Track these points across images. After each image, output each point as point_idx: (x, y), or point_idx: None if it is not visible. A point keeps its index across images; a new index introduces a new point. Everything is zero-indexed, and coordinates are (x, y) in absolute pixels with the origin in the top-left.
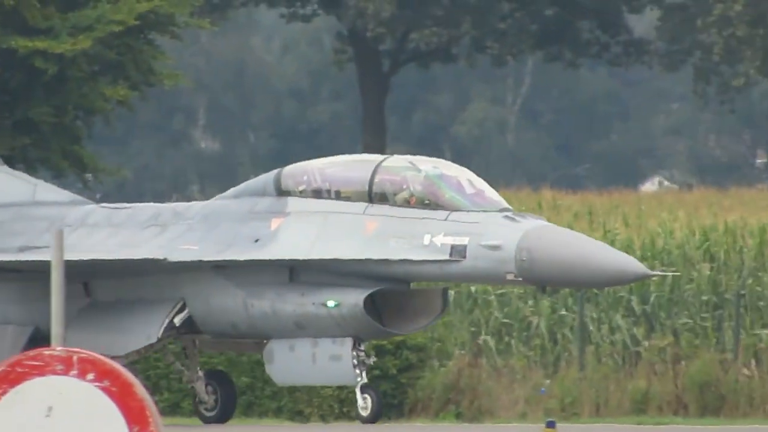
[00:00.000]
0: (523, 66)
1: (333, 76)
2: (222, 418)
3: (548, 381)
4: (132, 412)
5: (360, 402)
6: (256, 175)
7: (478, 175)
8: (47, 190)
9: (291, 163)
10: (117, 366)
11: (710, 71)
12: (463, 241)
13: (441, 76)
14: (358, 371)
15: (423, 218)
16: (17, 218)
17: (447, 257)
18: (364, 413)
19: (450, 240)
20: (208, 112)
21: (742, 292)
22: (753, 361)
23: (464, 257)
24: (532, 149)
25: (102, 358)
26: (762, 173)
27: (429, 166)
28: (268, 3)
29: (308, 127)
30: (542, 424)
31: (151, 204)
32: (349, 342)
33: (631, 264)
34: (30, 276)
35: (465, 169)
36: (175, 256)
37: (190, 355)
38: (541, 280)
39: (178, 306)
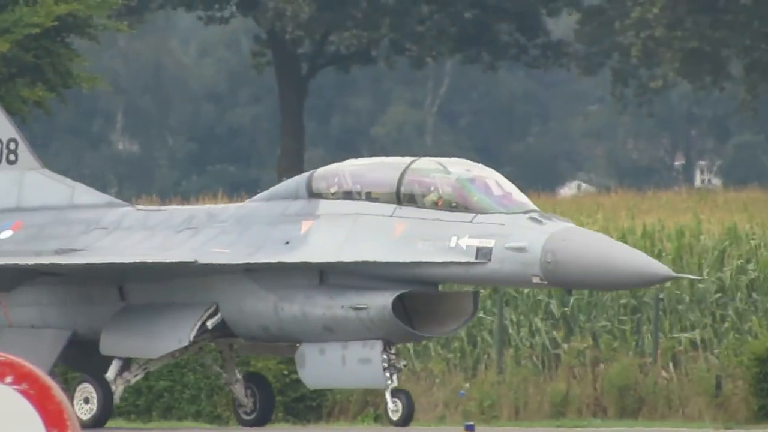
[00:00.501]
0: (441, 68)
1: (251, 79)
2: (261, 421)
3: (467, 384)
4: (50, 415)
5: (390, 405)
6: (174, 177)
7: None
8: (85, 193)
9: (210, 165)
10: (35, 369)
11: (628, 73)
12: (489, 243)
13: (360, 79)
14: (388, 374)
15: (449, 220)
16: (55, 221)
17: (472, 259)
18: (395, 417)
19: (476, 242)
20: (126, 114)
21: (661, 296)
22: (671, 364)
23: (489, 259)
24: (451, 151)
25: (20, 361)
26: (680, 176)
27: (457, 168)
28: (186, 6)
29: (227, 130)
30: (461, 427)
31: (187, 207)
32: (378, 345)
33: (656, 266)
34: (67, 279)
35: (493, 171)
36: (205, 259)
37: (227, 358)
38: (566, 282)
39: (211, 309)
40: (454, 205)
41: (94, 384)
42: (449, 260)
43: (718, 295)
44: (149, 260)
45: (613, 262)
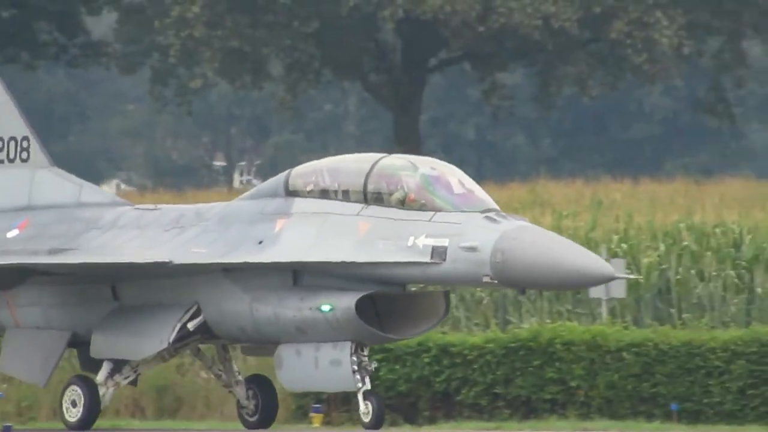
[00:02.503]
0: None
1: None
2: (264, 422)
3: (5, 384)
4: None
5: (362, 407)
6: None
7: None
8: (92, 192)
9: None
10: None
11: (168, 73)
12: (444, 242)
13: None
14: (358, 377)
15: (409, 219)
16: (59, 220)
17: (428, 259)
18: (366, 419)
19: (431, 241)
20: None
21: None
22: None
23: (444, 259)
24: None
25: None
26: (220, 176)
27: (423, 166)
28: None
29: None
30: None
31: (179, 205)
32: (347, 347)
33: (599, 266)
34: (63, 279)
35: (457, 170)
36: (181, 259)
37: (221, 359)
38: (516, 282)
39: (193, 310)
40: (419, 203)
41: (82, 386)
42: (406, 260)
43: None
44: (122, 260)
45: (558, 261)
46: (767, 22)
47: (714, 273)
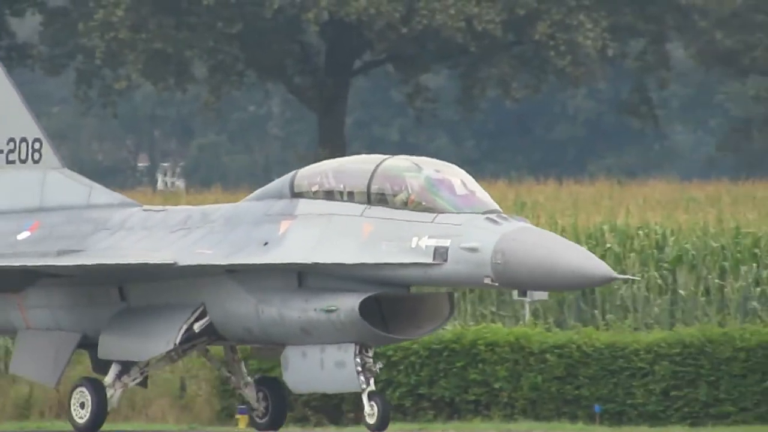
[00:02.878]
0: None
1: None
2: (273, 424)
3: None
4: None
5: (367, 409)
6: None
7: None
8: (101, 193)
9: None
10: None
11: (92, 75)
12: (445, 243)
13: None
14: (363, 378)
15: (412, 221)
16: (68, 221)
17: (430, 260)
18: (371, 420)
19: (433, 242)
20: None
21: None
22: None
23: (446, 260)
24: None
25: None
26: (143, 177)
27: (427, 167)
28: None
29: None
30: None
31: (186, 207)
32: (351, 348)
33: (597, 267)
34: (71, 281)
35: (460, 171)
36: (185, 261)
37: (230, 361)
38: (515, 283)
39: (199, 311)
40: (421, 204)
41: (89, 388)
42: (409, 261)
43: None
44: (126, 262)
45: (557, 263)
46: (690, 24)
47: (637, 274)
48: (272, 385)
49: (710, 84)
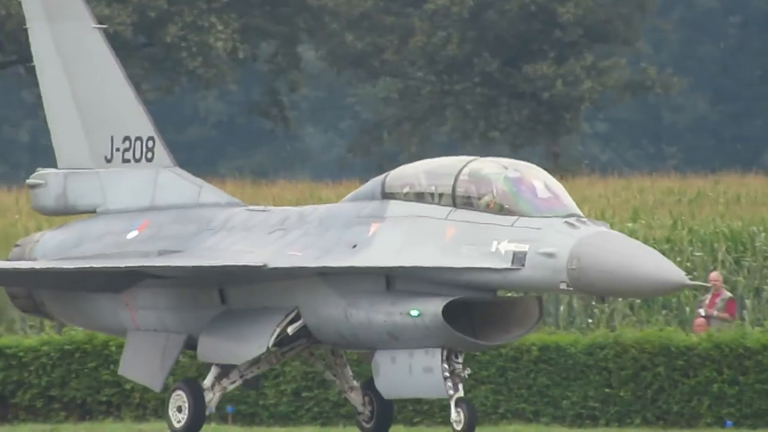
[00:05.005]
0: None
1: None
2: (380, 428)
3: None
4: None
5: (453, 415)
6: None
7: None
8: (210, 192)
9: None
10: None
11: None
12: (524, 248)
13: None
14: (450, 384)
15: (493, 224)
16: (175, 221)
17: (509, 265)
18: (458, 427)
19: (513, 247)
20: None
21: None
22: None
23: (523, 265)
24: None
25: None
26: None
27: (509, 169)
28: None
29: None
30: None
31: (287, 207)
32: (438, 353)
33: (673, 273)
34: (174, 282)
35: (544, 173)
36: (275, 263)
37: (332, 364)
38: (591, 289)
39: (293, 314)
40: (504, 207)
41: (186, 392)
42: (488, 266)
43: None
44: (214, 264)
45: (631, 269)
46: (321, 26)
47: None
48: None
49: (341, 86)
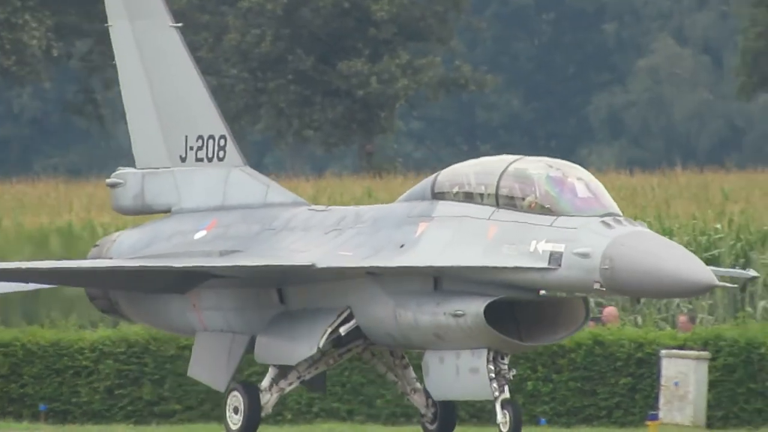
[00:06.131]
0: None
1: None
2: (442, 431)
3: None
4: None
5: (499, 417)
6: None
7: None
8: (277, 192)
9: None
10: None
11: None
12: (560, 247)
13: None
14: (495, 385)
15: (533, 224)
16: (241, 221)
17: (546, 265)
18: (504, 429)
19: (550, 247)
20: None
21: None
22: None
23: (560, 265)
24: None
25: None
26: None
27: (552, 169)
28: None
29: None
30: None
31: (347, 207)
32: (484, 354)
33: (702, 274)
34: (235, 282)
35: (585, 173)
36: (324, 263)
37: (390, 366)
38: (623, 290)
39: (345, 315)
40: (544, 207)
41: (242, 393)
42: (526, 265)
43: None
44: (261, 264)
45: (661, 269)
46: None
47: None
48: None
49: None
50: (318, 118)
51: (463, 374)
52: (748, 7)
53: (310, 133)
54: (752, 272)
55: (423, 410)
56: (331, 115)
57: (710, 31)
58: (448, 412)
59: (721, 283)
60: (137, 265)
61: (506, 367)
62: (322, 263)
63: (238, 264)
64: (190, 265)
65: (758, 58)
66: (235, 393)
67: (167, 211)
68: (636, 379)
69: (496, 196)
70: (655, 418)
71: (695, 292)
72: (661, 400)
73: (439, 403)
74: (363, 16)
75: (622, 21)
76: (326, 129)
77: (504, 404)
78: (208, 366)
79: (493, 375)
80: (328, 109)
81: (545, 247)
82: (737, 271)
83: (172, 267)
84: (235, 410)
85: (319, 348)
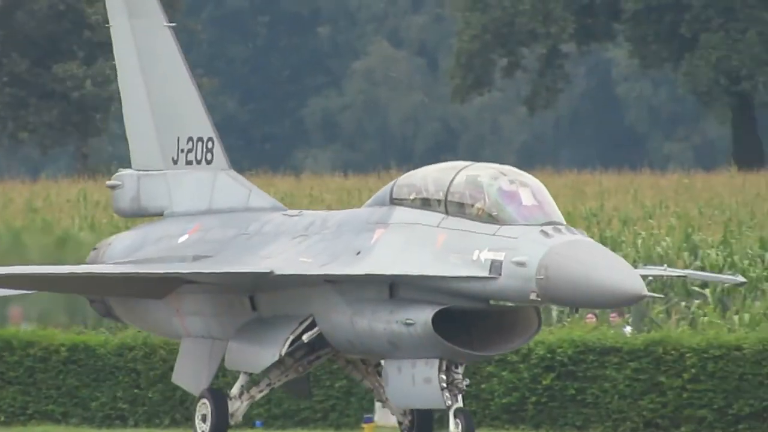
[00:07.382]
0: None
1: None
2: None
3: None
4: None
5: (451, 426)
6: None
7: None
8: (258, 196)
9: None
10: None
11: None
12: (500, 257)
13: None
14: (448, 395)
15: (477, 232)
16: (220, 225)
17: (487, 274)
18: None
19: (492, 255)
20: None
21: None
22: None
23: (500, 274)
24: None
25: None
26: None
27: (500, 177)
28: None
29: None
30: None
31: (317, 212)
32: (436, 364)
33: (631, 285)
34: (215, 288)
35: (534, 181)
36: (283, 270)
37: (363, 373)
38: (558, 299)
39: (308, 322)
40: (490, 215)
41: (210, 400)
42: (467, 274)
43: None
44: (221, 270)
45: (590, 279)
46: None
47: None
48: None
49: None
50: (33, 121)
51: (418, 384)
52: (463, 10)
53: (25, 135)
54: (740, 278)
55: (400, 418)
56: (46, 118)
57: (425, 33)
58: (424, 419)
59: (651, 294)
60: (98, 271)
61: (460, 376)
62: (280, 270)
63: (201, 271)
64: (142, 271)
65: (472, 61)
66: (204, 400)
67: (160, 214)
68: (351, 382)
69: (446, 203)
70: (370, 420)
71: (623, 302)
72: (377, 404)
73: (414, 411)
74: (78, 18)
75: (336, 24)
76: (42, 131)
77: (456, 413)
78: (189, 372)
79: (445, 384)
80: (43, 112)
81: (487, 255)
82: (726, 277)
83: (125, 273)
84: (203, 418)
85: (281, 355)
